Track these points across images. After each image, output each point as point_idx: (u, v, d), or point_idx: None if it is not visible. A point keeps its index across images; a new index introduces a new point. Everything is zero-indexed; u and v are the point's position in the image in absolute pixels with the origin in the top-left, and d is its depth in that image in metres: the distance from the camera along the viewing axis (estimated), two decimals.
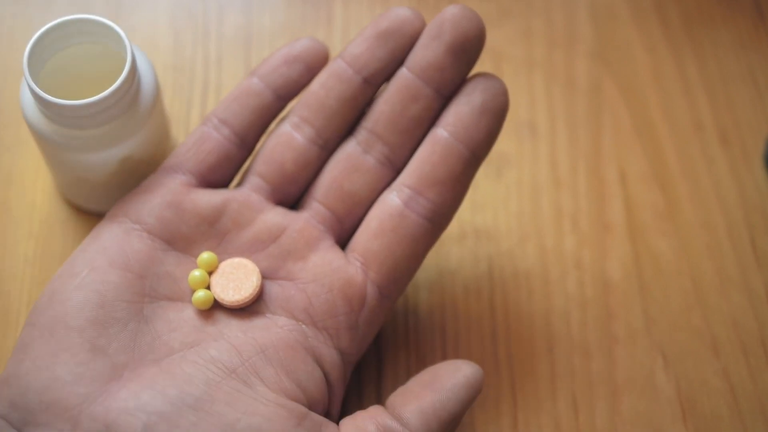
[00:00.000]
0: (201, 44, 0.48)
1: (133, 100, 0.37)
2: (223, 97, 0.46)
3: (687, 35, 0.49)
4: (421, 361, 0.40)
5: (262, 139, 0.38)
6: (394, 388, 0.39)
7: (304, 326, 0.34)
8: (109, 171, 0.38)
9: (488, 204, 0.44)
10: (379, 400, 0.39)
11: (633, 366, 0.40)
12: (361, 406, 0.38)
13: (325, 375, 0.34)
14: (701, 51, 0.49)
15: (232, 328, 0.33)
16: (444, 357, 0.40)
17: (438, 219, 0.36)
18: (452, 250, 0.43)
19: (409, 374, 0.39)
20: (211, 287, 0.34)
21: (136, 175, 0.39)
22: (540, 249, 0.43)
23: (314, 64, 0.38)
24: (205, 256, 0.35)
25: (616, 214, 0.44)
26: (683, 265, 0.43)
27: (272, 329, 0.34)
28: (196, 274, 0.34)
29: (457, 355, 0.40)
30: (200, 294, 0.34)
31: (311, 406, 0.33)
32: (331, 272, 0.35)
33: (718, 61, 0.48)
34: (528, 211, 0.44)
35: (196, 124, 0.45)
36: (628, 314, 0.41)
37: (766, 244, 0.43)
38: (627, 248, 0.43)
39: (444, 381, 0.34)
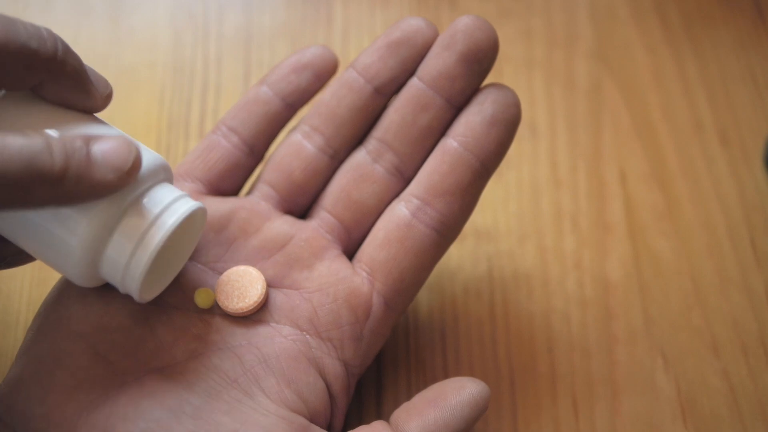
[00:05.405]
0: (201, 44, 0.48)
1: None
2: (224, 98, 0.46)
3: (687, 35, 0.49)
4: (420, 363, 0.40)
5: (272, 147, 0.38)
6: (393, 389, 0.39)
7: (308, 336, 0.34)
8: None
9: (488, 204, 0.44)
10: (378, 401, 0.39)
11: (633, 366, 0.40)
12: (360, 407, 0.38)
13: (328, 386, 0.33)
14: (701, 51, 0.49)
15: (235, 336, 0.33)
16: (444, 358, 0.40)
17: (446, 230, 0.35)
18: (452, 250, 0.43)
19: (408, 375, 0.39)
20: (216, 295, 0.34)
21: None
22: (540, 249, 0.43)
23: (323, 72, 0.37)
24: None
25: (616, 214, 0.44)
26: (683, 265, 0.43)
27: (276, 338, 0.33)
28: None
29: (457, 356, 0.40)
30: (201, 292, 0.33)
31: (313, 418, 0.32)
32: (337, 282, 0.34)
33: (718, 61, 0.48)
34: (528, 211, 0.44)
35: (196, 124, 0.45)
36: (628, 314, 0.41)
37: (766, 244, 0.43)
38: (627, 248, 0.43)
39: (449, 398, 0.33)
